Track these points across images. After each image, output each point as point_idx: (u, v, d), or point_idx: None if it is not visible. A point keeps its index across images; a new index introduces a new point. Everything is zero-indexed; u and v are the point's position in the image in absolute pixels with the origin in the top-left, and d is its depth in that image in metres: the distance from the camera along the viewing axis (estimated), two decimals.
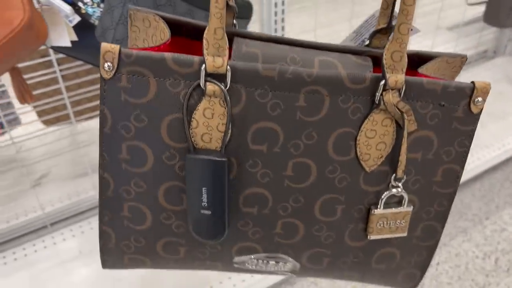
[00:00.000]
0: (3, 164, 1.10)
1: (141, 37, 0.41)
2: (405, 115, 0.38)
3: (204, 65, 0.35)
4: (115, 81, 0.36)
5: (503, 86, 1.52)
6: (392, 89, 0.37)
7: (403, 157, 0.39)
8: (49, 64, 1.02)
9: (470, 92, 0.38)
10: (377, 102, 0.38)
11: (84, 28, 0.56)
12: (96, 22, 0.53)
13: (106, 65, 0.35)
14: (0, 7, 0.50)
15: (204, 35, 0.35)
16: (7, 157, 1.18)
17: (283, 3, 0.90)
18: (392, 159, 0.40)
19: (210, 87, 0.35)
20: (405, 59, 0.37)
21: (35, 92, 1.00)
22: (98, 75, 0.98)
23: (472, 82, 0.39)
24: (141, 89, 0.36)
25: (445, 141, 0.40)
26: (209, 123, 0.37)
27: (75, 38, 0.56)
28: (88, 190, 1.08)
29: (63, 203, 1.06)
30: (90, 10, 0.52)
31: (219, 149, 0.37)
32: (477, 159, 1.21)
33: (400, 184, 0.41)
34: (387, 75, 0.37)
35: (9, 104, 1.05)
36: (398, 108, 0.37)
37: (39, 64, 0.93)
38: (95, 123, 1.11)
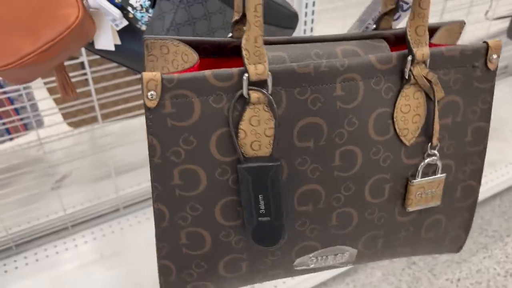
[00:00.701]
0: (25, 165, 1.11)
1: (160, 65, 0.40)
2: (433, 85, 0.40)
3: (246, 75, 0.35)
4: (160, 108, 0.36)
5: None
6: (419, 63, 0.39)
7: (436, 125, 0.41)
8: (75, 67, 1.03)
9: (485, 51, 0.42)
10: (406, 77, 0.40)
11: (125, 32, 0.57)
12: (143, 27, 0.53)
13: (149, 94, 0.35)
14: (56, 5, 0.52)
15: (243, 45, 0.35)
16: (30, 158, 1.19)
17: (313, 13, 0.91)
18: (426, 129, 0.42)
19: (254, 94, 0.36)
20: (427, 33, 0.39)
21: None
22: (125, 78, 0.98)
23: (485, 42, 0.42)
24: (186, 111, 0.36)
25: (469, 102, 0.43)
26: (256, 131, 0.37)
27: (118, 42, 0.57)
28: (110, 193, 1.09)
29: (84, 205, 1.06)
30: (138, 15, 0.53)
31: (269, 154, 0.38)
32: (501, 175, 1.20)
33: (436, 152, 0.42)
34: (414, 50, 0.39)
35: (33, 106, 1.06)
36: (427, 79, 0.40)
37: (68, 66, 0.94)
38: (120, 126, 1.11)
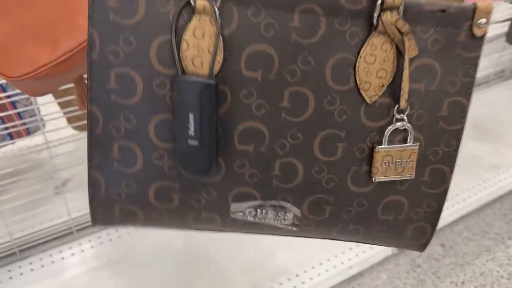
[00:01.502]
0: (28, 169, 1.09)
1: None
2: (405, 37, 0.36)
3: None
4: (102, 0, 0.34)
5: None
6: (390, 9, 0.35)
7: (405, 84, 0.37)
8: None
9: (472, 13, 0.37)
10: (375, 23, 0.36)
11: None
12: None
13: None
14: (76, 13, 0.50)
15: None
16: (32, 162, 1.18)
17: None
18: (394, 90, 0.38)
19: (201, 2, 0.34)
20: None
21: (68, 98, 0.99)
22: None
23: (474, 3, 0.37)
24: (130, 8, 0.34)
25: (448, 70, 0.38)
26: (199, 44, 0.35)
27: None
28: None
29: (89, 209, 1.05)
30: None
31: (208, 72, 0.35)
32: (504, 179, 1.22)
33: (404, 117, 0.38)
34: None
35: (33, 110, 1.04)
36: (397, 29, 0.36)
37: None
38: None
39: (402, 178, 0.40)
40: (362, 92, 0.37)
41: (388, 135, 0.39)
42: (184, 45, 0.35)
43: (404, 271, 1.09)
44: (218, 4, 0.34)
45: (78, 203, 1.07)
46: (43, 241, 1.01)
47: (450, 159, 0.41)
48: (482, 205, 1.24)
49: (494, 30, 1.58)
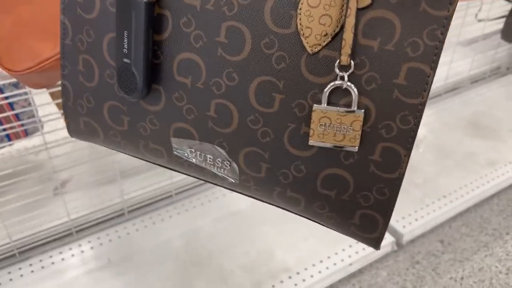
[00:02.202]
0: (26, 171, 1.09)
1: None
2: None
3: None
4: None
5: None
6: None
7: (348, 35, 0.32)
8: None
9: None
10: None
11: None
12: None
13: None
14: None
15: None
16: (30, 164, 1.17)
17: None
18: (340, 42, 0.33)
19: None
20: None
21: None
22: None
23: None
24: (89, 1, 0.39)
25: (410, 28, 0.32)
26: None
27: None
28: (114, 197, 1.08)
29: (89, 210, 1.05)
30: None
31: None
32: (501, 175, 1.23)
33: (345, 75, 0.33)
34: None
35: (31, 111, 1.04)
36: None
37: None
38: None
39: (342, 148, 0.36)
40: (303, 39, 0.34)
41: (327, 94, 0.34)
42: None
43: (404, 267, 1.09)
44: None
45: (77, 204, 1.07)
46: (43, 242, 1.01)
47: (406, 140, 0.35)
48: (480, 201, 1.25)
49: (490, 27, 1.59)
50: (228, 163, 0.40)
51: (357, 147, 0.36)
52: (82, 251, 0.98)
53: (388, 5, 0.32)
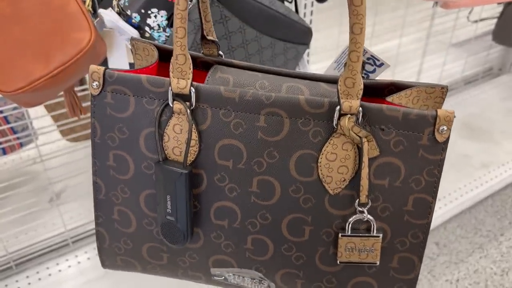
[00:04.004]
0: (20, 182, 1.09)
1: (143, 64, 0.46)
2: (364, 139, 0.38)
3: (170, 87, 0.40)
4: (102, 97, 0.42)
5: (511, 103, 1.56)
6: (347, 114, 0.38)
7: (364, 182, 0.39)
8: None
9: (433, 120, 0.39)
10: (335, 126, 0.39)
11: None
12: None
13: (94, 84, 0.41)
14: (69, 29, 0.51)
15: (171, 60, 0.39)
16: (25, 175, 1.18)
17: (311, 13, 0.92)
18: (357, 184, 0.40)
19: (177, 105, 0.40)
20: (359, 85, 0.38)
21: (61, 111, 0.99)
22: None
23: (436, 110, 0.38)
24: (122, 105, 0.42)
25: (412, 169, 0.40)
26: (178, 138, 0.41)
27: (132, 60, 0.57)
28: None
29: (85, 220, 1.05)
30: (155, 34, 0.53)
31: (183, 161, 0.41)
32: (495, 177, 1.23)
33: (365, 210, 0.41)
34: (342, 101, 0.38)
35: (27, 124, 1.04)
36: (355, 133, 0.39)
37: None
38: None
39: (366, 264, 0.43)
40: (325, 185, 0.41)
41: (351, 224, 0.41)
42: (165, 137, 0.41)
43: None
44: (192, 106, 0.40)
45: (73, 215, 1.07)
46: (39, 254, 1.01)
47: (418, 249, 0.43)
48: (474, 203, 1.26)
49: (482, 28, 1.60)
50: (266, 281, 0.46)
51: (378, 262, 0.43)
52: (79, 262, 0.99)
53: (393, 153, 0.40)
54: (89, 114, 0.93)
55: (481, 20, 1.55)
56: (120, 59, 0.56)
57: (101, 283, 0.94)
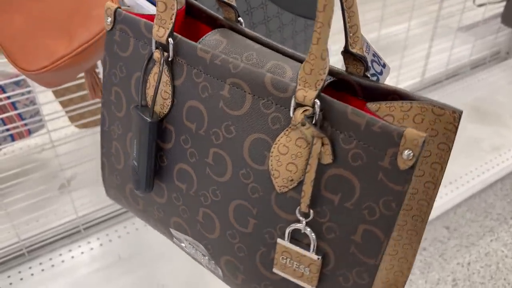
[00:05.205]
0: (31, 170, 1.08)
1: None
2: (316, 139, 0.32)
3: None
4: (112, 34, 0.43)
5: None
6: (303, 106, 0.32)
7: (307, 188, 0.33)
8: None
9: (398, 139, 0.30)
10: (292, 116, 0.34)
11: None
12: None
13: (108, 19, 0.43)
14: (91, 5, 0.50)
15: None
16: (35, 162, 1.17)
17: None
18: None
19: (156, 53, 0.40)
20: (319, 74, 0.32)
21: (70, 96, 0.98)
22: None
23: (405, 128, 0.30)
24: (124, 45, 0.43)
25: (368, 194, 0.32)
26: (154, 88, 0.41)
27: None
28: None
29: (96, 207, 1.05)
30: None
31: (152, 112, 0.41)
32: (506, 160, 1.23)
33: (303, 220, 0.35)
34: (297, 88, 0.32)
35: (35, 109, 1.03)
36: (305, 129, 0.33)
37: None
38: None
39: (300, 284, 0.37)
40: (273, 179, 0.36)
41: (290, 232, 0.36)
42: (148, 84, 0.41)
43: None
44: (170, 57, 0.39)
45: (85, 201, 1.07)
46: (51, 240, 1.01)
47: None
48: (484, 187, 1.26)
49: (489, 11, 1.58)
50: (213, 262, 0.44)
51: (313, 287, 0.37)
52: (92, 248, 0.98)
53: (350, 167, 0.32)
54: (98, 100, 0.92)
55: (489, 3, 1.53)
56: None
57: (114, 269, 0.94)
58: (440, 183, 0.35)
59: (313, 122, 0.32)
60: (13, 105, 1.02)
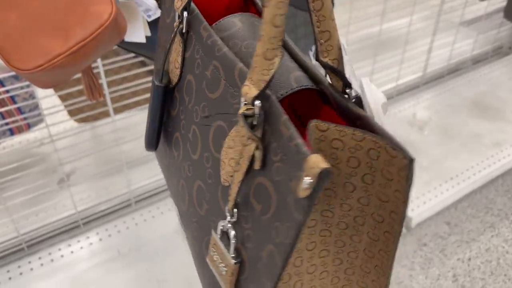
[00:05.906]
0: (30, 164, 1.08)
1: None
2: (250, 141, 0.31)
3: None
4: (161, 4, 0.45)
5: None
6: (245, 101, 0.30)
7: (234, 187, 0.32)
8: None
9: (303, 163, 0.26)
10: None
11: (155, 23, 0.55)
12: None
13: None
14: (88, 1, 0.48)
15: None
16: (34, 157, 1.16)
17: None
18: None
19: (175, 24, 0.41)
20: (262, 74, 0.29)
21: (69, 91, 0.98)
22: (131, 72, 0.96)
23: (312, 152, 0.26)
24: (167, 13, 0.44)
25: (278, 212, 0.30)
26: (174, 57, 0.42)
27: (149, 33, 0.55)
28: (121, 188, 1.07)
29: (95, 202, 1.05)
30: None
31: (168, 79, 0.43)
32: (508, 155, 1.23)
33: (228, 219, 0.33)
34: (245, 82, 0.30)
35: (35, 103, 1.03)
36: (241, 127, 0.31)
37: None
38: (127, 120, 1.09)
39: (220, 283, 0.36)
40: (221, 169, 0.35)
41: (222, 227, 0.35)
42: (170, 55, 0.43)
43: (411, 250, 1.10)
44: (184, 27, 0.40)
45: (84, 196, 1.06)
46: (51, 235, 1.01)
47: None
48: (485, 183, 1.25)
49: (492, 5, 1.57)
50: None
51: None
52: (91, 243, 0.98)
53: (273, 182, 0.30)
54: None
55: None
56: (136, 31, 0.54)
57: (114, 264, 0.93)
58: (400, 232, 0.31)
59: (253, 122, 0.30)
60: (12, 99, 1.02)
